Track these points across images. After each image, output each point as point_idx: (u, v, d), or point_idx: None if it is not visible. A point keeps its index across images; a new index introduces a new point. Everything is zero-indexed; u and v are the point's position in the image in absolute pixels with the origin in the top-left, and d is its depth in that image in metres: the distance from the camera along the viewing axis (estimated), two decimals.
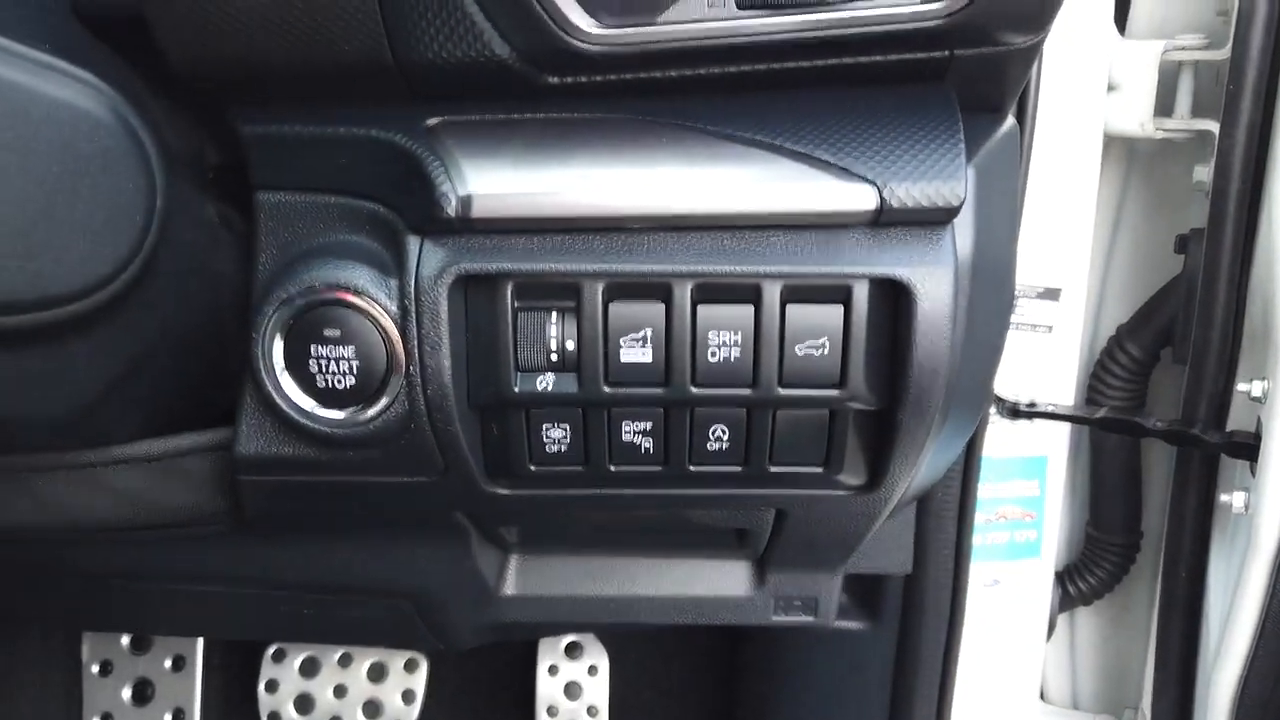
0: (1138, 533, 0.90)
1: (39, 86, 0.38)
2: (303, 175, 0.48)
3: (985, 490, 0.85)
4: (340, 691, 1.05)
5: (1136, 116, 0.78)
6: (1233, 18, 0.72)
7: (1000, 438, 0.83)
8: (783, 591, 0.71)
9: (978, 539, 0.81)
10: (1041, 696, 0.99)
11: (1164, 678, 0.81)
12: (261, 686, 1.05)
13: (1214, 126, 0.75)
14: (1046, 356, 0.82)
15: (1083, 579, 0.93)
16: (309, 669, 1.05)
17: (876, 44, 0.45)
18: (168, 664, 1.07)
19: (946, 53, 0.46)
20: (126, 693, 1.07)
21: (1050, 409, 0.79)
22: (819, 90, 0.47)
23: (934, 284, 0.44)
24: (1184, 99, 0.78)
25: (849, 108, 0.46)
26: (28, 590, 0.75)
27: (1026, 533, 0.88)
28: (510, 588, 0.69)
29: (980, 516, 0.84)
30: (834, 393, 0.46)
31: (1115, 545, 0.90)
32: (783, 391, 0.46)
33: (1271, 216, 0.69)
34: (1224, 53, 0.73)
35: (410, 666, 1.05)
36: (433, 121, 0.46)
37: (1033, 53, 0.48)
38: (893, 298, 0.45)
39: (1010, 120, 0.52)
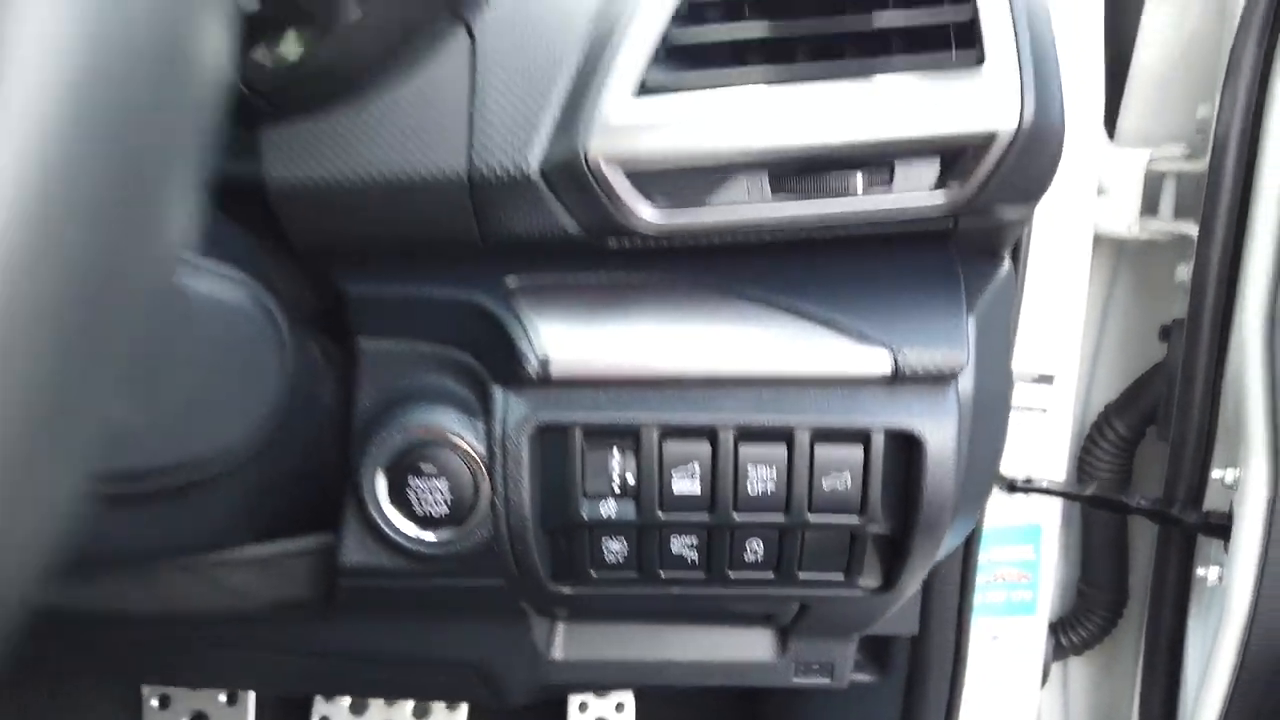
0: (1124, 591, 0.97)
1: (195, 286, 0.45)
2: (399, 326, 0.55)
3: (985, 555, 0.93)
4: None
5: (1124, 219, 0.86)
6: (1210, 133, 0.80)
7: (999, 508, 0.91)
8: (802, 657, 0.78)
9: (978, 598, 0.89)
10: None
11: None
12: None
13: (1194, 230, 0.83)
14: (1041, 435, 0.89)
15: (1074, 631, 1.01)
16: (358, 708, 1.13)
17: (889, 222, 0.52)
18: (222, 699, 1.15)
19: (950, 223, 0.53)
20: None
21: (1045, 484, 0.87)
22: (837, 251, 0.55)
23: (940, 434, 0.52)
24: (1167, 203, 0.86)
25: (865, 271, 0.54)
26: (102, 646, 0.82)
27: (1022, 593, 0.95)
28: (559, 652, 0.76)
29: (980, 578, 0.92)
30: (855, 519, 0.54)
31: (1104, 602, 0.98)
32: (811, 518, 0.54)
33: (1243, 321, 0.77)
34: (1202, 164, 0.81)
35: (452, 705, 1.13)
36: (512, 284, 0.54)
37: (1030, 212, 0.56)
38: (906, 442, 0.52)
39: (1006, 264, 0.60)
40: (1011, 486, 0.88)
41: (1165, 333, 0.87)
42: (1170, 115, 0.85)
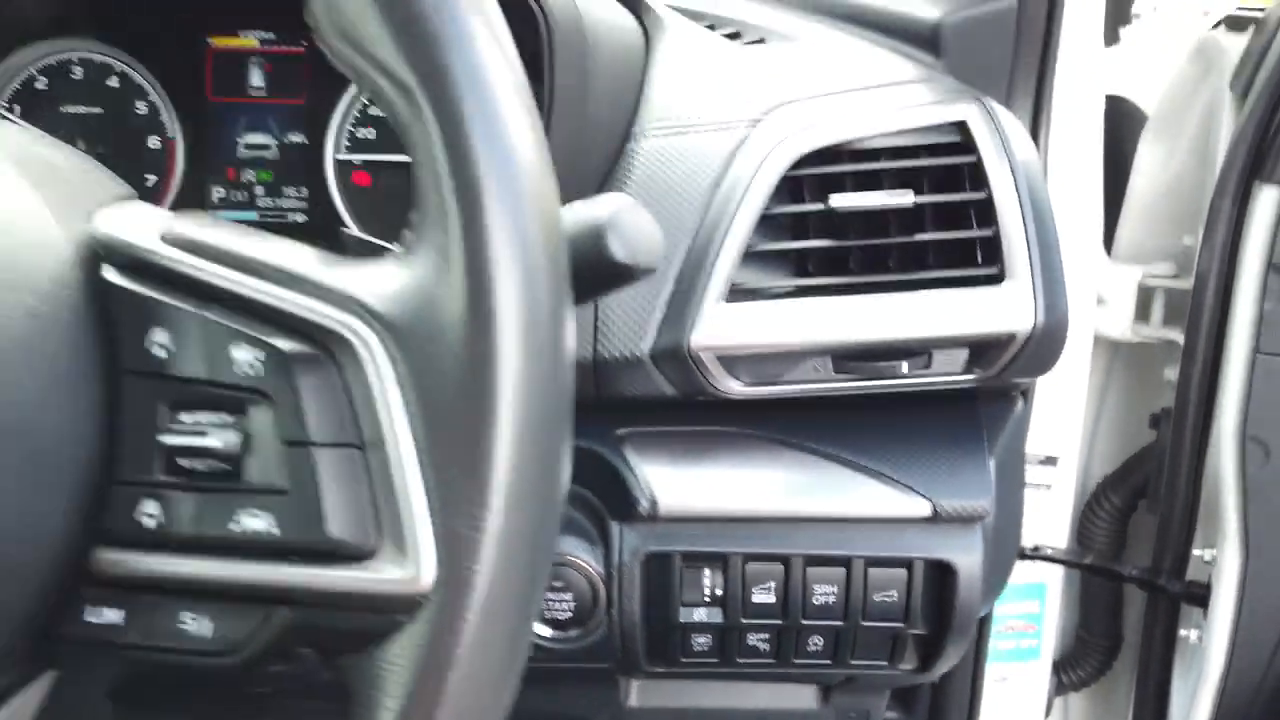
0: (1119, 638, 1.11)
1: None
2: None
3: (997, 609, 1.06)
4: None
5: (1120, 325, 0.99)
6: (1195, 260, 0.92)
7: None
8: (842, 707, 0.92)
9: (990, 646, 1.03)
10: None
11: None
12: None
13: (1180, 336, 0.96)
14: (1046, 508, 1.03)
15: (1074, 671, 1.14)
16: None
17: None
18: None
19: (976, 386, 0.67)
20: None
21: (1050, 552, 1.01)
22: (884, 407, 0.68)
23: (969, 561, 0.65)
24: (1157, 312, 0.99)
25: (908, 427, 0.67)
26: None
27: (1029, 641, 1.09)
28: (634, 701, 0.90)
29: (993, 629, 1.05)
30: (900, 625, 0.67)
31: (1100, 648, 1.11)
32: (864, 624, 0.67)
33: (1220, 424, 0.90)
34: (1187, 282, 0.94)
35: None
36: (620, 433, 0.67)
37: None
38: (942, 567, 0.66)
39: (1019, 404, 0.73)
40: (1021, 554, 1.02)
41: (1155, 420, 1.00)
42: (1159, 238, 0.97)
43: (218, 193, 0.76)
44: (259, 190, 0.75)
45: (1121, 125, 0.95)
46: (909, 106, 0.66)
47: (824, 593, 0.67)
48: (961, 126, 0.65)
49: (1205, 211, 0.88)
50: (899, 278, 0.63)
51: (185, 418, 0.32)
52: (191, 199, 0.74)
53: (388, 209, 0.75)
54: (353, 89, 0.74)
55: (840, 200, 0.63)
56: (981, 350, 0.63)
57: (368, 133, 0.74)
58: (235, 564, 0.31)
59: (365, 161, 0.74)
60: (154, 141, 0.75)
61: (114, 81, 0.75)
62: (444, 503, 0.30)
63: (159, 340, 0.32)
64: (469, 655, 0.30)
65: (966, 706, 1.05)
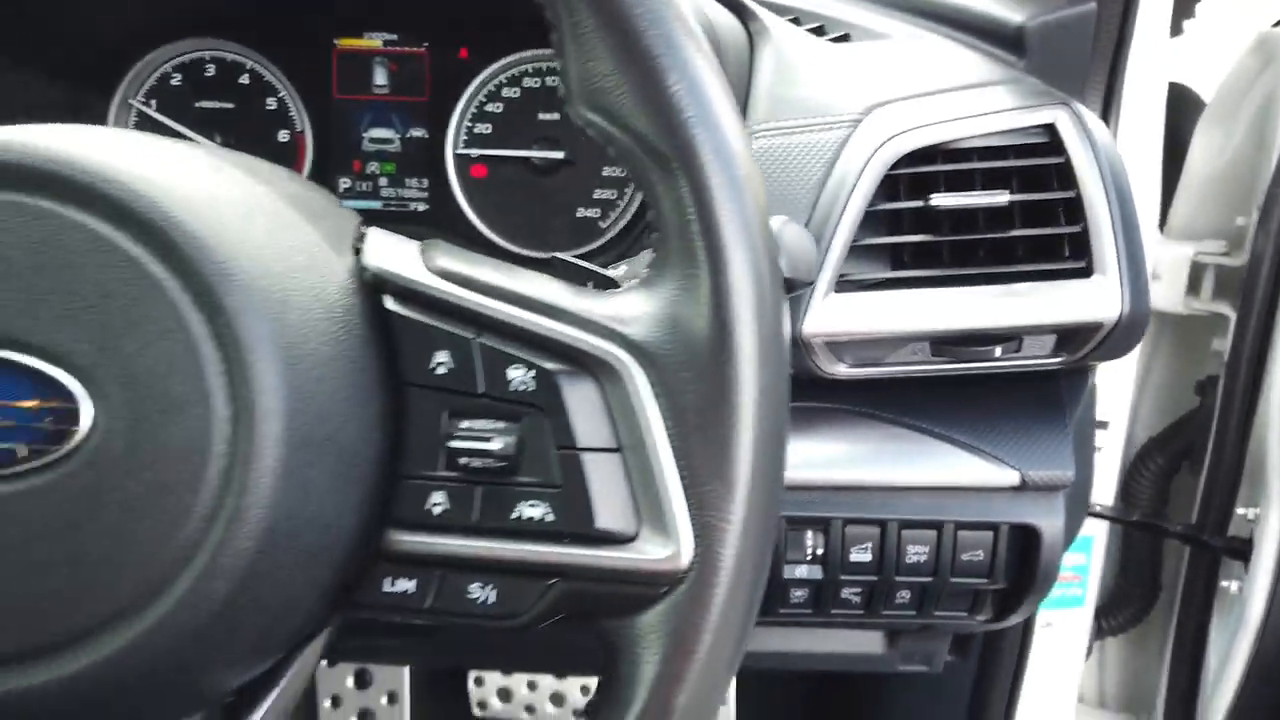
0: (1157, 588, 1.19)
1: None
2: None
3: None
4: (533, 686, 1.36)
5: (1171, 299, 1.05)
6: (1248, 239, 0.98)
7: None
8: (907, 649, 1.00)
9: None
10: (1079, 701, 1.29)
11: (1172, 700, 1.11)
12: (471, 681, 1.36)
13: (1229, 310, 1.02)
14: (1096, 468, 1.09)
15: (1113, 618, 1.22)
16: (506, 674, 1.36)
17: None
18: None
19: (1060, 365, 0.73)
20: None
21: (1099, 510, 1.08)
22: (975, 384, 0.74)
23: (1052, 525, 0.72)
24: (1207, 287, 1.04)
25: (995, 403, 0.73)
26: None
27: (1074, 589, 1.16)
28: None
29: None
30: (984, 581, 0.74)
31: (1139, 596, 1.19)
32: (952, 580, 0.74)
33: (1269, 391, 0.96)
34: (1238, 260, 0.99)
35: (589, 675, 1.36)
36: None
37: None
38: (1026, 530, 0.72)
39: (1092, 376, 0.79)
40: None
41: (1200, 388, 1.07)
42: (1212, 218, 1.03)
43: (344, 183, 0.81)
44: (383, 181, 0.81)
45: (1180, 111, 1.00)
46: (1001, 110, 0.71)
47: (916, 552, 0.73)
48: (1050, 129, 0.70)
49: (1261, 194, 0.93)
50: (991, 270, 0.69)
51: (464, 424, 0.39)
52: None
53: (502, 199, 0.80)
54: (471, 88, 0.79)
55: (942, 199, 0.69)
56: (1069, 336, 0.69)
57: (484, 128, 0.80)
58: (516, 544, 0.38)
59: (482, 155, 0.80)
60: (283, 135, 0.81)
61: (245, 79, 0.80)
62: (697, 497, 0.37)
63: (440, 360, 0.39)
64: (718, 619, 0.37)
65: (1017, 650, 1.13)
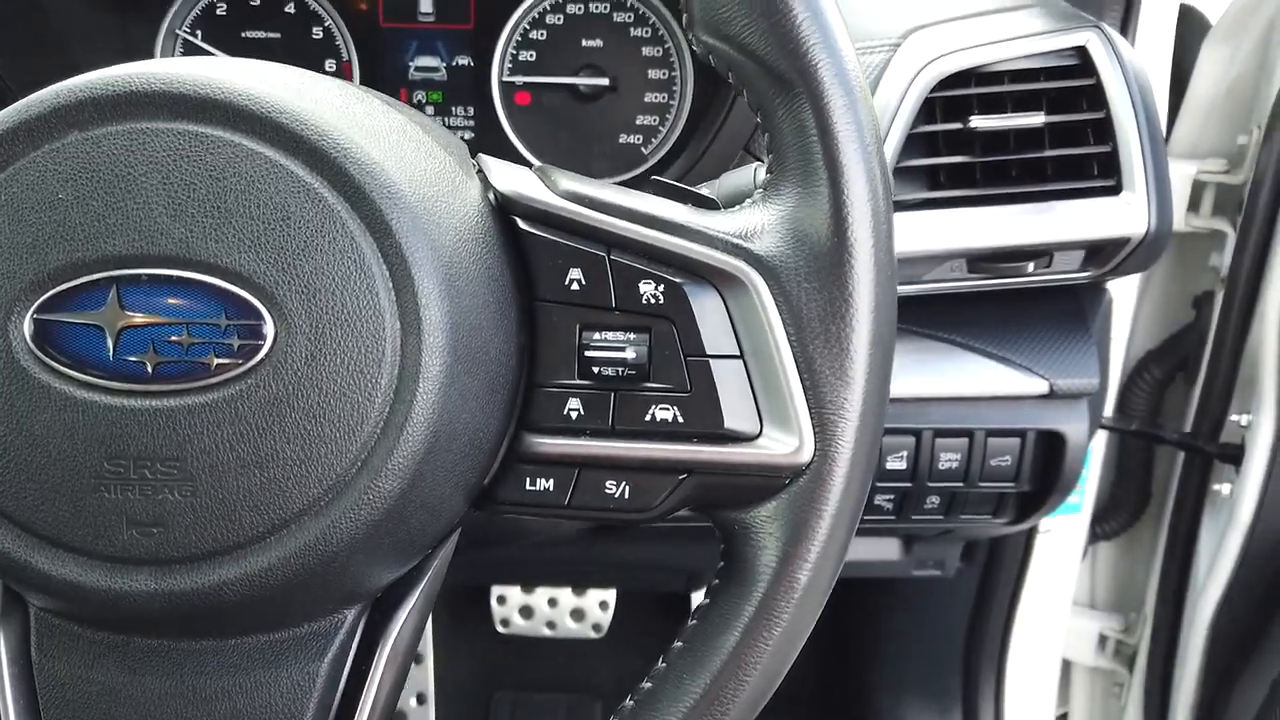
0: (1149, 494, 1.25)
1: None
2: None
3: None
4: (553, 602, 1.42)
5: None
6: (1248, 158, 1.02)
7: None
8: (921, 555, 1.06)
9: None
10: None
11: (1164, 596, 1.19)
12: (494, 600, 1.41)
13: (1227, 227, 1.06)
14: None
15: (1107, 523, 1.29)
16: (527, 588, 1.41)
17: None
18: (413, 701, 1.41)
19: (1087, 279, 0.77)
20: None
21: (1101, 421, 1.13)
22: (1006, 300, 0.78)
23: (1078, 430, 0.77)
24: (1207, 204, 1.09)
25: (1023, 315, 0.78)
26: None
27: (1073, 497, 1.23)
28: None
29: None
30: (1010, 485, 0.79)
31: (1131, 502, 1.26)
32: (981, 485, 0.79)
33: (1266, 303, 1.01)
34: (1238, 178, 1.04)
35: (606, 588, 1.41)
36: None
37: None
38: (1052, 436, 0.77)
39: (1108, 291, 0.84)
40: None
41: (1197, 302, 1.12)
42: (1214, 136, 1.07)
43: None
44: (429, 110, 0.83)
45: (1185, 31, 1.03)
46: (1034, 34, 0.74)
47: (948, 459, 0.78)
48: (1081, 51, 0.73)
49: (1266, 114, 0.97)
50: (1024, 189, 0.73)
51: (598, 336, 0.42)
52: None
53: (546, 126, 0.82)
54: (516, 16, 0.80)
55: (980, 121, 0.72)
56: (1097, 251, 0.73)
57: (528, 55, 0.81)
58: (649, 444, 0.42)
59: (526, 83, 0.82)
60: (330, 65, 0.82)
61: (290, 7, 0.81)
62: (817, 397, 0.40)
63: (574, 276, 0.42)
64: (836, 505, 0.41)
65: (1020, 555, 1.20)
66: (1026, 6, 0.78)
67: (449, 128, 0.83)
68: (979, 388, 0.76)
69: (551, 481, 0.43)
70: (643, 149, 0.82)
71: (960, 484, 0.79)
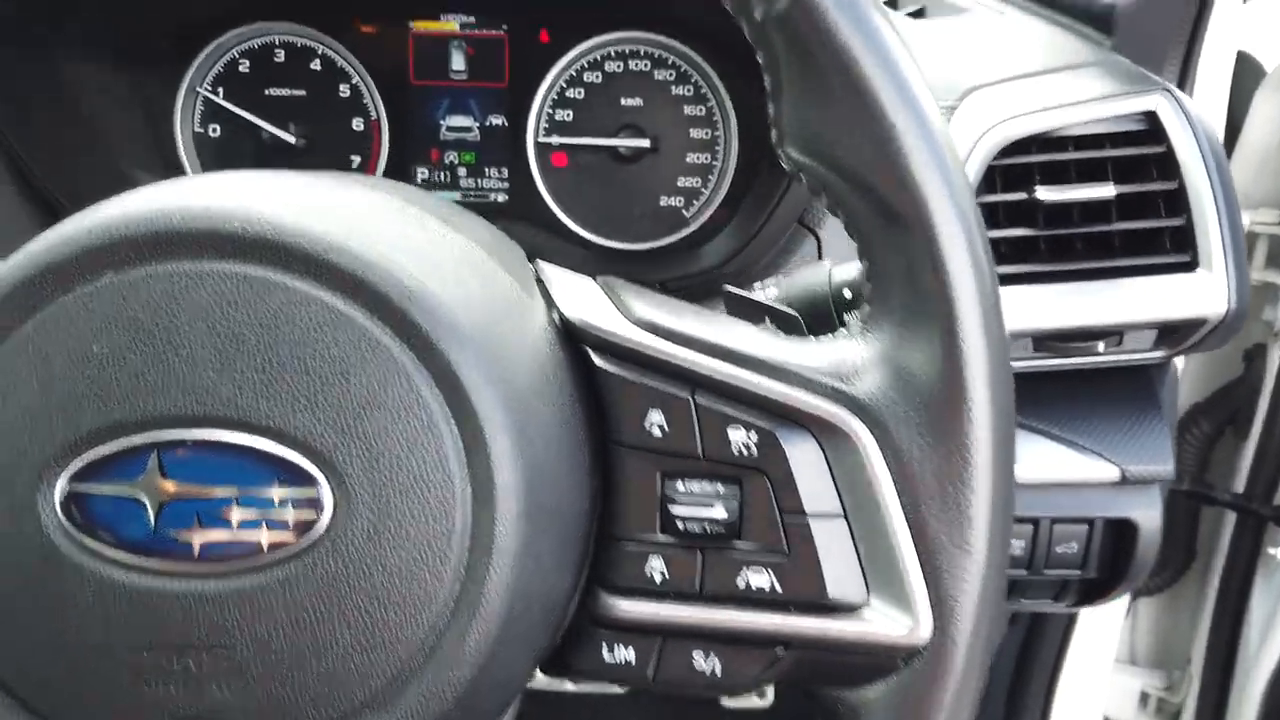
0: (1194, 552, 1.21)
1: None
2: None
3: None
4: None
5: None
6: None
7: None
8: None
9: None
10: None
11: (1212, 661, 1.14)
12: None
13: (1278, 278, 1.02)
14: None
15: (1150, 579, 1.25)
16: None
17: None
18: None
19: (1160, 359, 0.73)
20: None
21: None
22: (1067, 378, 0.74)
23: (1150, 517, 0.72)
24: (1260, 256, 1.05)
25: (1091, 396, 0.74)
26: None
27: None
28: None
29: None
30: (1076, 573, 0.75)
31: (1176, 560, 1.22)
32: (1046, 572, 0.75)
33: None
34: None
35: None
36: None
37: None
38: (1121, 524, 0.73)
39: (1174, 366, 0.80)
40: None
41: (1248, 355, 1.08)
42: (1268, 185, 1.03)
43: (421, 173, 0.79)
44: (461, 171, 0.79)
45: (1240, 79, 0.99)
46: (1101, 97, 0.70)
47: (1013, 547, 0.74)
48: (1151, 116, 0.69)
49: None
50: (1092, 265, 0.69)
51: (682, 487, 0.38)
52: (396, 179, 0.77)
53: (583, 188, 0.78)
54: (552, 74, 0.76)
55: (1046, 193, 0.68)
56: (1170, 330, 0.69)
57: (565, 114, 0.77)
58: (742, 613, 0.38)
59: (563, 144, 0.78)
60: (358, 123, 0.78)
61: (316, 65, 0.77)
62: (934, 567, 0.36)
63: (655, 420, 0.38)
64: (953, 697, 0.37)
65: (1065, 619, 1.16)
66: (1087, 65, 0.74)
67: (482, 190, 0.79)
68: (1046, 474, 0.72)
69: (633, 651, 0.38)
70: (684, 211, 0.78)
71: (1024, 571, 0.75)
